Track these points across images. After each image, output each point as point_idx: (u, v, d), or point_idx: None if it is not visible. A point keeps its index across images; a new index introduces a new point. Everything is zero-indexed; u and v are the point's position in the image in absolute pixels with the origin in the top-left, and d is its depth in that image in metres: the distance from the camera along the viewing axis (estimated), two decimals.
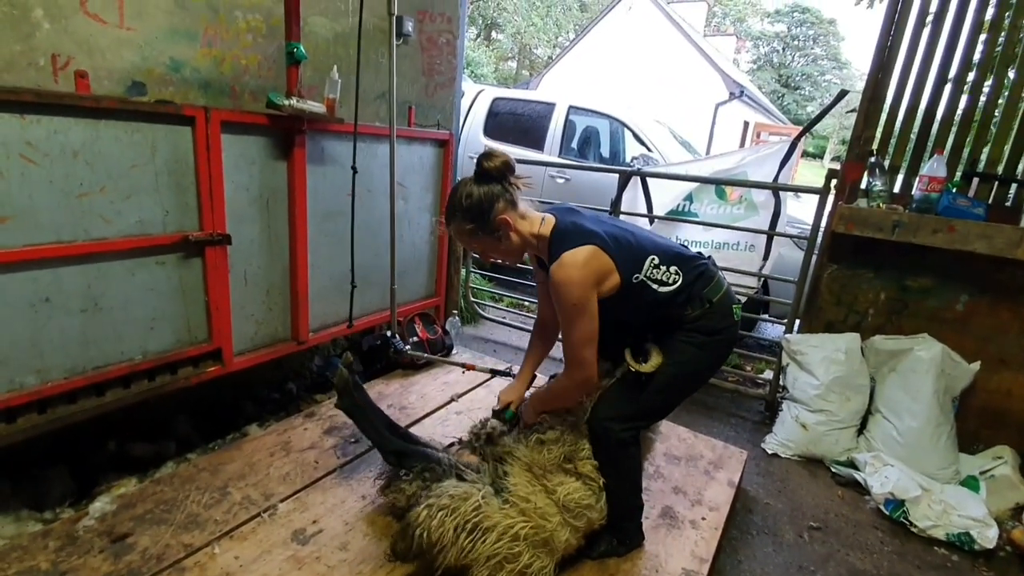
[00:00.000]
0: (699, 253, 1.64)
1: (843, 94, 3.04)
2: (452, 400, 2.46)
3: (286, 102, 1.93)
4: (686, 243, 3.36)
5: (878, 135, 2.72)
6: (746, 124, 16.46)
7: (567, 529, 1.53)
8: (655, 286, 1.49)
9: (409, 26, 2.44)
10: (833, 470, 2.57)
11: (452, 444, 1.89)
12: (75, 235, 1.58)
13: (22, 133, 1.44)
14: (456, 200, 1.50)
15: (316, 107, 2.02)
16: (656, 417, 1.69)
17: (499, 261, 1.70)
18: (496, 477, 1.57)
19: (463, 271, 3.83)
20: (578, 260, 1.40)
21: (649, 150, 4.71)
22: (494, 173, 1.48)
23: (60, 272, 1.57)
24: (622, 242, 1.49)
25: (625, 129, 4.90)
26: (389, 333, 2.62)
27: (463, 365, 2.40)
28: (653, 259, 1.50)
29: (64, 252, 1.56)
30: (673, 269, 1.51)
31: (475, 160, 1.51)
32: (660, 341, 1.57)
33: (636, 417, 1.58)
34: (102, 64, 1.62)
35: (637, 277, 1.48)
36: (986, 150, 2.60)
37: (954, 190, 2.52)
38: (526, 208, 1.55)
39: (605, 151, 5.12)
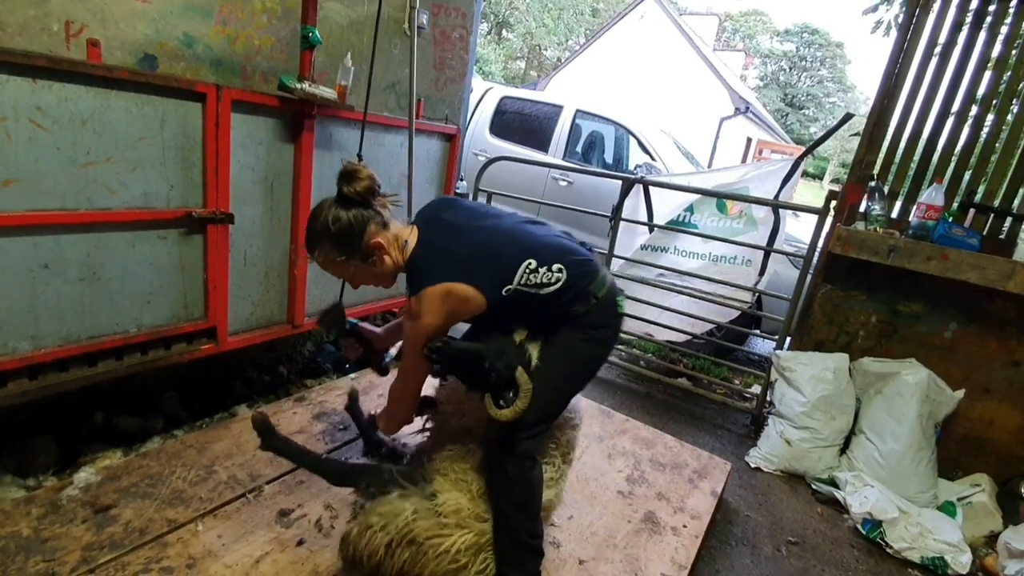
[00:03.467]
0: (581, 243, 1.54)
1: (848, 117, 3.08)
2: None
3: (298, 85, 1.94)
4: (684, 253, 3.39)
5: (880, 160, 2.75)
6: (749, 140, 16.56)
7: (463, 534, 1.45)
8: (534, 291, 1.39)
9: (423, 19, 2.44)
10: (814, 487, 2.60)
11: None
12: (78, 203, 1.58)
13: (33, 97, 1.44)
14: (320, 225, 1.38)
15: (327, 92, 2.02)
16: (553, 418, 1.53)
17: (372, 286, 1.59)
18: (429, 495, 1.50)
19: None
20: (423, 307, 1.34)
21: (653, 159, 4.73)
22: (357, 198, 1.39)
23: (61, 239, 1.57)
24: (486, 258, 1.38)
25: (630, 136, 4.92)
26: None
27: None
28: (529, 264, 1.38)
29: (66, 220, 1.56)
30: (556, 267, 1.40)
31: (341, 176, 1.41)
32: (547, 337, 1.47)
33: (538, 421, 1.43)
34: (115, 34, 1.61)
35: (508, 289, 1.37)
36: (984, 182, 2.64)
37: (950, 219, 2.55)
38: (397, 226, 1.48)
39: (609, 157, 5.14)
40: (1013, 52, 2.54)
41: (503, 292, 1.37)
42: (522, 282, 1.38)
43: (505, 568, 1.42)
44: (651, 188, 3.44)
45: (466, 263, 1.37)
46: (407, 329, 1.42)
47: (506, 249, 1.41)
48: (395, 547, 1.38)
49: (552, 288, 1.39)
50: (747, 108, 15.79)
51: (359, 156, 2.30)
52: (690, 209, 3.39)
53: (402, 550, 1.38)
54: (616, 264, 3.48)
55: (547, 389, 1.41)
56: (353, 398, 1.96)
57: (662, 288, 3.36)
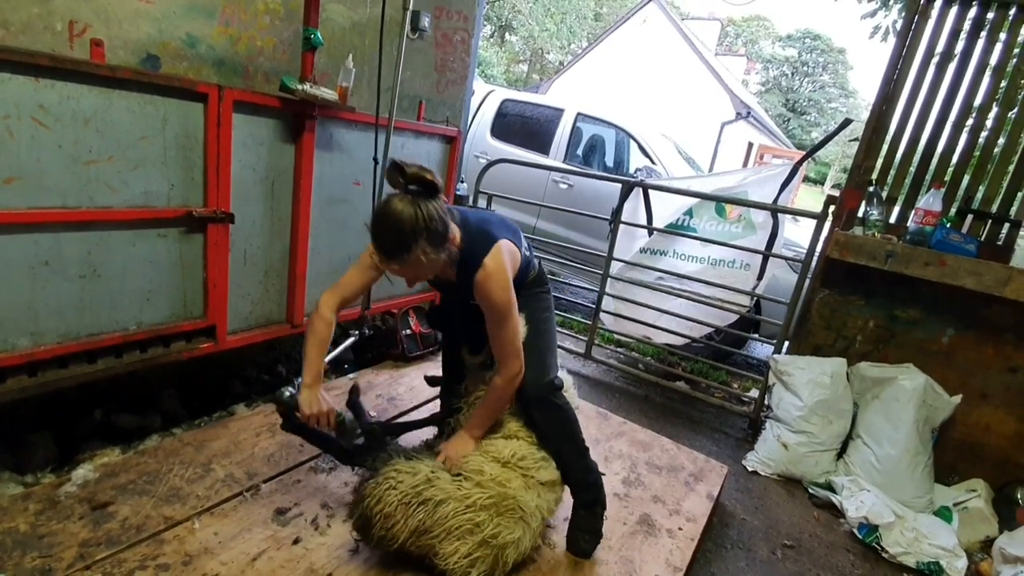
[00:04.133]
0: None
1: (847, 122, 3.09)
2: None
3: (299, 86, 1.95)
4: (683, 257, 3.40)
5: (878, 165, 2.76)
6: (750, 145, 16.55)
7: (533, 492, 1.54)
8: (527, 254, 1.68)
9: (425, 21, 2.45)
10: (811, 491, 2.60)
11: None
12: (79, 201, 1.59)
13: (35, 96, 1.45)
14: (415, 223, 1.33)
15: (328, 94, 2.03)
16: (554, 355, 1.74)
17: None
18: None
19: None
20: (501, 263, 1.47)
21: (653, 163, 4.74)
22: (436, 186, 1.37)
23: (61, 237, 1.58)
24: (508, 227, 1.63)
25: (631, 140, 4.93)
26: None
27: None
28: (520, 233, 1.70)
29: (67, 217, 1.57)
30: (524, 239, 1.71)
31: (399, 172, 1.34)
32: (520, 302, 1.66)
33: (553, 362, 1.70)
34: (118, 34, 1.62)
35: (524, 249, 1.66)
36: (982, 188, 2.65)
37: (948, 225, 2.56)
38: None
39: (609, 160, 5.15)
40: (1012, 60, 2.55)
41: (524, 252, 1.64)
42: (524, 247, 1.67)
43: (583, 478, 1.68)
44: (651, 191, 3.45)
45: (504, 229, 1.58)
46: (494, 294, 1.47)
47: (509, 223, 1.68)
48: (409, 505, 1.40)
49: (527, 254, 1.69)
50: (748, 113, 15.80)
51: (375, 160, 2.31)
52: (689, 213, 3.40)
53: (416, 510, 1.40)
54: (615, 267, 3.49)
55: (545, 336, 1.70)
56: (355, 394, 1.96)
57: (661, 291, 3.37)
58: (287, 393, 1.66)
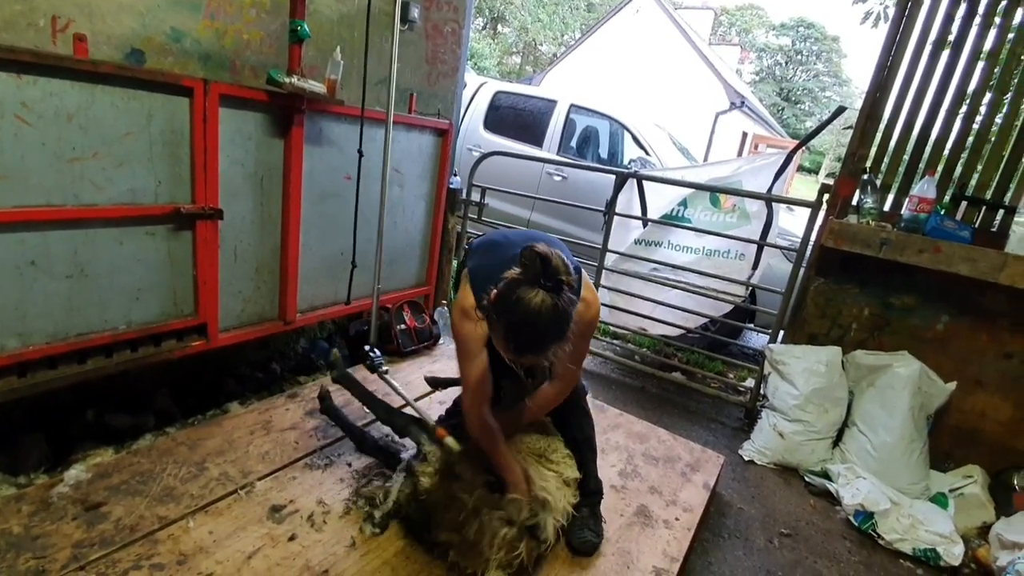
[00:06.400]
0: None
1: (841, 110, 3.08)
2: (436, 389, 2.46)
3: (287, 79, 1.92)
4: (678, 247, 3.39)
5: (872, 153, 2.75)
6: (745, 135, 16.55)
7: (561, 492, 1.59)
8: None
9: (415, 12, 2.43)
10: (807, 479, 2.61)
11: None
12: (65, 199, 1.57)
13: (18, 93, 1.43)
14: (561, 329, 1.28)
15: (317, 87, 2.01)
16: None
17: None
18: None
19: (455, 262, 3.83)
20: (593, 290, 1.52)
21: (647, 153, 4.73)
22: (571, 286, 1.29)
23: (48, 236, 1.56)
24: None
25: (625, 131, 4.92)
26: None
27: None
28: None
29: (53, 216, 1.54)
30: None
31: (542, 263, 1.23)
32: None
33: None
34: (102, 29, 1.59)
35: None
36: (976, 175, 2.64)
37: (942, 212, 2.56)
38: None
39: (603, 152, 5.13)
40: (1006, 45, 2.54)
41: None
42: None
43: (594, 482, 1.77)
44: (645, 182, 3.43)
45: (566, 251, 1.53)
46: (589, 330, 1.52)
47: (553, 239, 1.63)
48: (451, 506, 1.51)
49: None
50: (742, 102, 15.79)
51: (360, 152, 2.29)
52: (684, 203, 3.39)
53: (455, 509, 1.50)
54: (610, 258, 3.48)
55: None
56: (326, 399, 2.01)
57: (656, 282, 3.37)
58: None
